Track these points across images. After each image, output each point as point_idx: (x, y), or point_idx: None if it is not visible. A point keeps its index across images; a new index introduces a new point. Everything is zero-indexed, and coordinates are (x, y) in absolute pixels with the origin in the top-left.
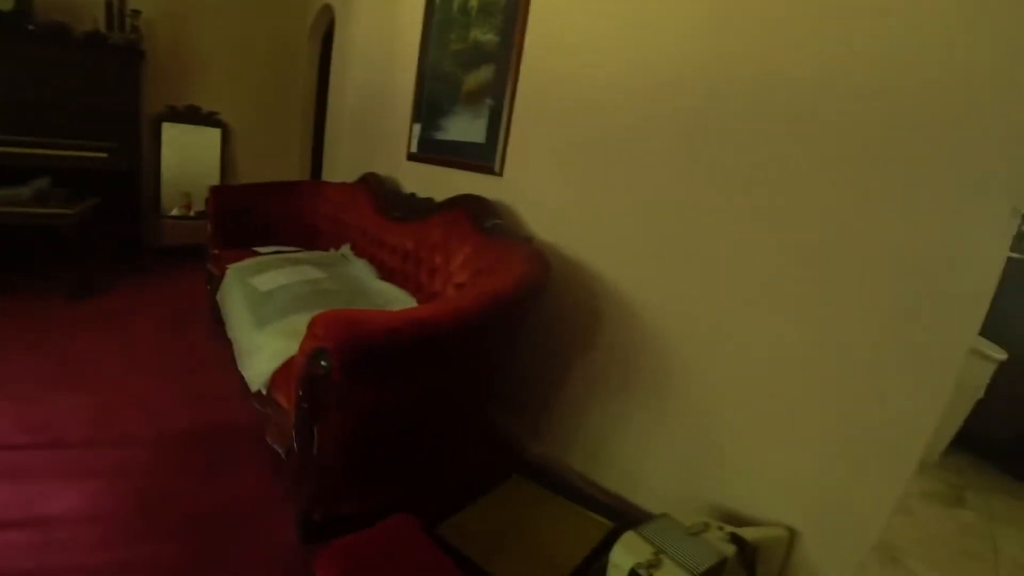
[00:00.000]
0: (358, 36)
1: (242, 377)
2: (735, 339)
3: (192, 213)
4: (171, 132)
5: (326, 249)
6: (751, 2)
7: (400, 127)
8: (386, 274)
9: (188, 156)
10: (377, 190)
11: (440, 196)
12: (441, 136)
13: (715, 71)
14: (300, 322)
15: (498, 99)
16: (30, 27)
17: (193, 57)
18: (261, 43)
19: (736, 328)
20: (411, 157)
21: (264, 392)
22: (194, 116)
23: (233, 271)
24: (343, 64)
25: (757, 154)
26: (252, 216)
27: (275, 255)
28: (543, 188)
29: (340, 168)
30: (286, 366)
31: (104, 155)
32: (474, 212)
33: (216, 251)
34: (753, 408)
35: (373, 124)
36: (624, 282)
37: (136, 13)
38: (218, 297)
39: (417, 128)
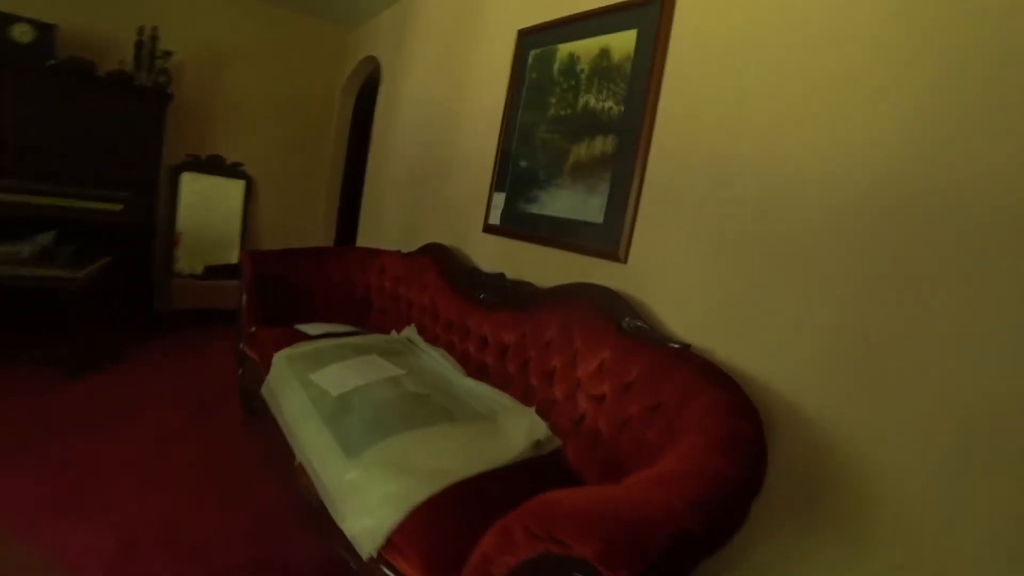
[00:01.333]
0: (411, 92)
1: (305, 498)
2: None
3: (200, 271)
4: (191, 183)
5: (383, 330)
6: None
7: (473, 195)
8: (473, 370)
9: (208, 210)
10: (447, 265)
11: (538, 280)
12: (537, 210)
13: (935, 164)
14: (407, 447)
15: (621, 176)
16: (51, 62)
17: (220, 104)
18: (292, 92)
19: None
20: (489, 229)
21: (375, 555)
22: (217, 166)
23: (284, 361)
24: (390, 120)
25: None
26: (293, 286)
27: (329, 339)
28: (683, 282)
29: (383, 234)
30: (412, 518)
31: (119, 207)
32: (605, 307)
33: (252, 328)
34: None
35: (431, 188)
36: (801, 394)
37: (167, 55)
38: (264, 392)
39: (500, 198)
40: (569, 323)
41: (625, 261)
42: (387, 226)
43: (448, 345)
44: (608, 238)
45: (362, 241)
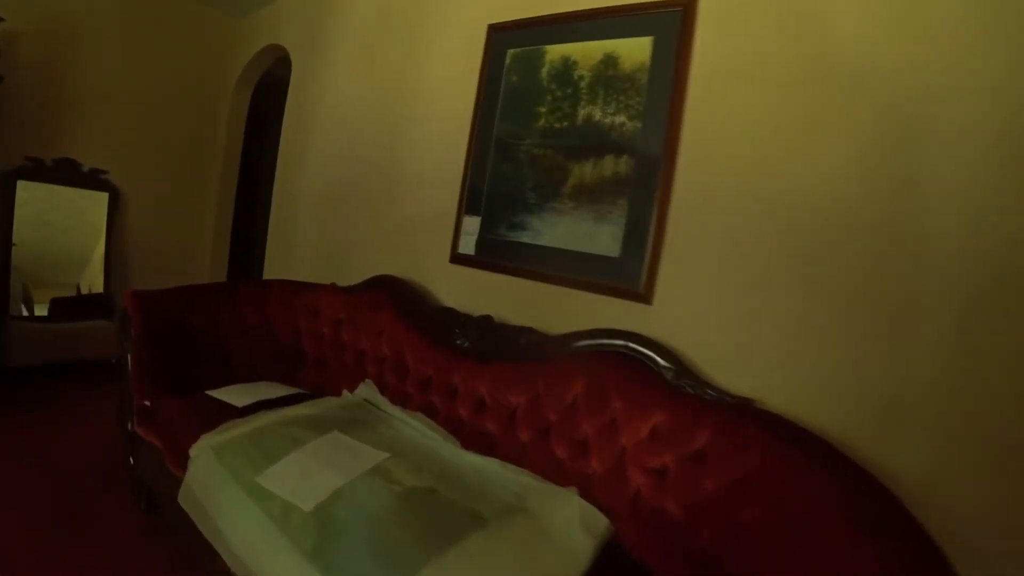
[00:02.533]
0: (333, 90)
1: None
2: None
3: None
4: (30, 195)
5: (324, 390)
6: None
7: (433, 217)
8: (469, 441)
9: (55, 230)
10: (409, 304)
11: (535, 324)
12: (528, 239)
13: None
14: None
15: (641, 202)
16: None
17: (73, 94)
18: (170, 85)
19: None
20: (460, 260)
21: None
22: (69, 174)
23: (211, 455)
24: (303, 124)
25: None
26: (196, 335)
27: (265, 412)
28: (721, 324)
29: (298, 263)
30: None
31: None
32: (642, 358)
33: (146, 401)
34: None
35: (368, 208)
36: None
37: None
38: (184, 501)
39: (473, 222)
40: (599, 379)
41: (649, 301)
42: (303, 254)
43: (426, 408)
44: (627, 274)
45: (271, 272)
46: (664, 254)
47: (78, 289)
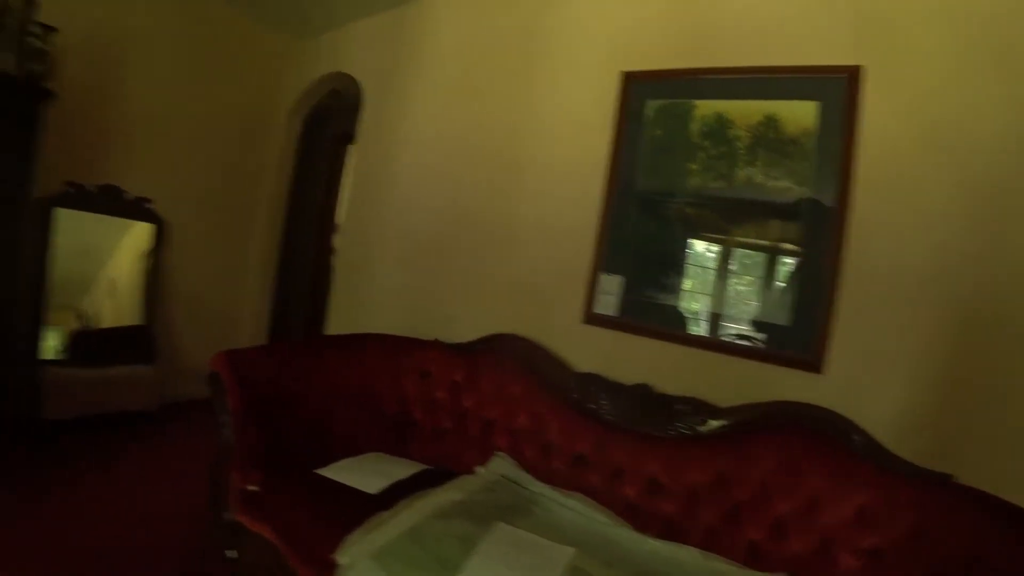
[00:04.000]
0: (422, 125)
1: None
2: None
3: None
4: (71, 225)
5: (442, 464)
6: None
7: (561, 273)
8: (642, 524)
9: (96, 264)
10: (544, 369)
11: (691, 391)
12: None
13: None
14: None
15: (812, 270)
16: None
17: (119, 115)
18: (220, 111)
19: None
20: (596, 321)
21: None
22: (113, 202)
23: (377, 570)
24: (382, 162)
25: None
26: (292, 401)
27: (409, 501)
28: (900, 395)
29: (374, 314)
30: None
31: None
32: (830, 432)
33: (252, 486)
34: None
35: (472, 258)
36: None
37: (48, 30)
38: None
39: (612, 281)
40: (789, 454)
41: (820, 371)
42: (380, 303)
43: (584, 487)
44: (797, 342)
45: (337, 321)
46: (836, 322)
47: (83, 321)
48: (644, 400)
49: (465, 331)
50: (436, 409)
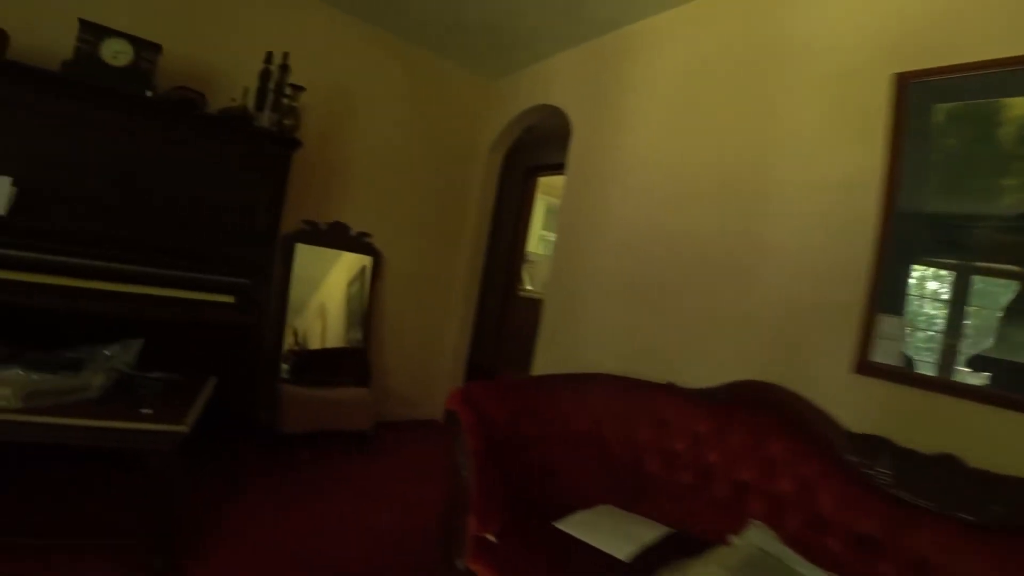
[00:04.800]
0: (639, 154)
1: None
2: None
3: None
4: (307, 258)
5: (686, 525)
6: None
7: (815, 312)
8: None
9: (322, 295)
10: (802, 424)
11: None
12: (998, 353)
13: None
14: None
15: None
16: (148, 93)
17: (346, 158)
18: (428, 148)
19: None
20: (872, 371)
21: None
22: (340, 237)
23: None
24: (595, 194)
25: None
26: (523, 444)
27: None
28: None
29: (586, 351)
30: None
31: (230, 300)
32: None
33: (489, 536)
34: None
35: (702, 294)
36: None
37: (297, 90)
38: None
39: (894, 324)
40: None
41: None
42: (596, 342)
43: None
44: None
45: (546, 359)
46: None
47: (298, 341)
48: (952, 475)
49: (699, 375)
50: (675, 462)
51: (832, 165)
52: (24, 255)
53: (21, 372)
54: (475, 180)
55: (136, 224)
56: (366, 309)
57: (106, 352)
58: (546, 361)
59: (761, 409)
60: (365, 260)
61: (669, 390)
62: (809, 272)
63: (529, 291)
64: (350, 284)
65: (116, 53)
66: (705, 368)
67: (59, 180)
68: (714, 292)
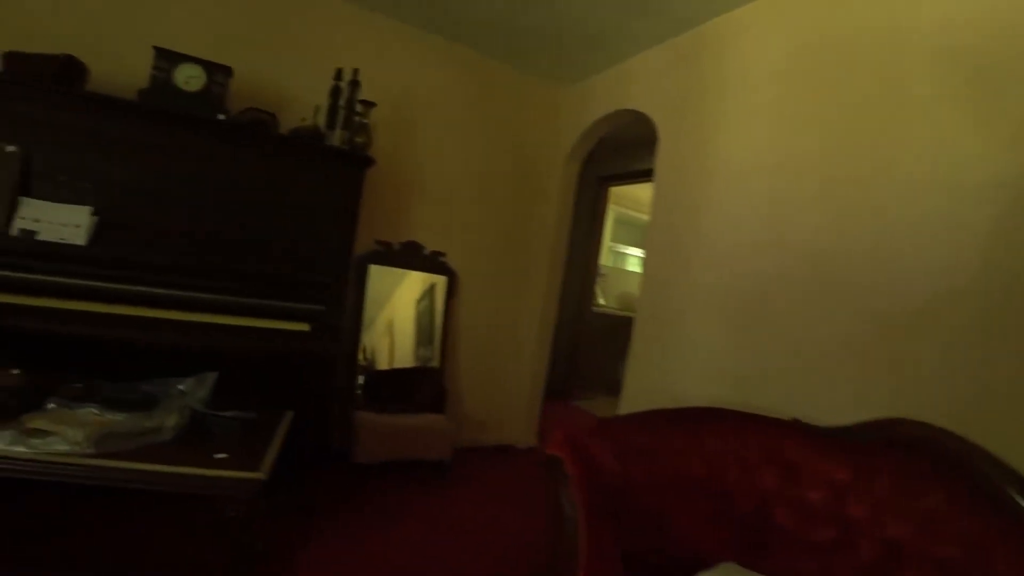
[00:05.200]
0: (739, 158)
1: None
2: None
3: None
4: (380, 280)
5: None
6: None
7: (1003, 336)
8: None
9: (395, 318)
10: (978, 474)
11: None
12: None
13: None
14: None
15: None
16: (220, 117)
17: (417, 175)
18: (500, 161)
19: None
20: None
21: None
22: (413, 257)
23: None
24: (689, 204)
25: None
26: (634, 494)
27: None
28: None
29: (686, 379)
30: None
31: (305, 328)
32: None
33: None
34: None
35: (820, 312)
36: None
37: (368, 106)
38: None
39: None
40: None
41: None
42: (696, 371)
43: None
44: None
45: (636, 387)
46: None
47: (367, 360)
48: None
49: (829, 410)
50: (809, 515)
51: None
52: (102, 286)
53: (95, 412)
54: (551, 192)
55: (209, 250)
56: (440, 329)
57: (180, 387)
58: (637, 389)
59: (915, 454)
60: (437, 279)
61: (796, 428)
62: (980, 291)
63: (602, 307)
64: (418, 301)
65: (189, 78)
66: (835, 401)
67: (134, 208)
68: (843, 312)
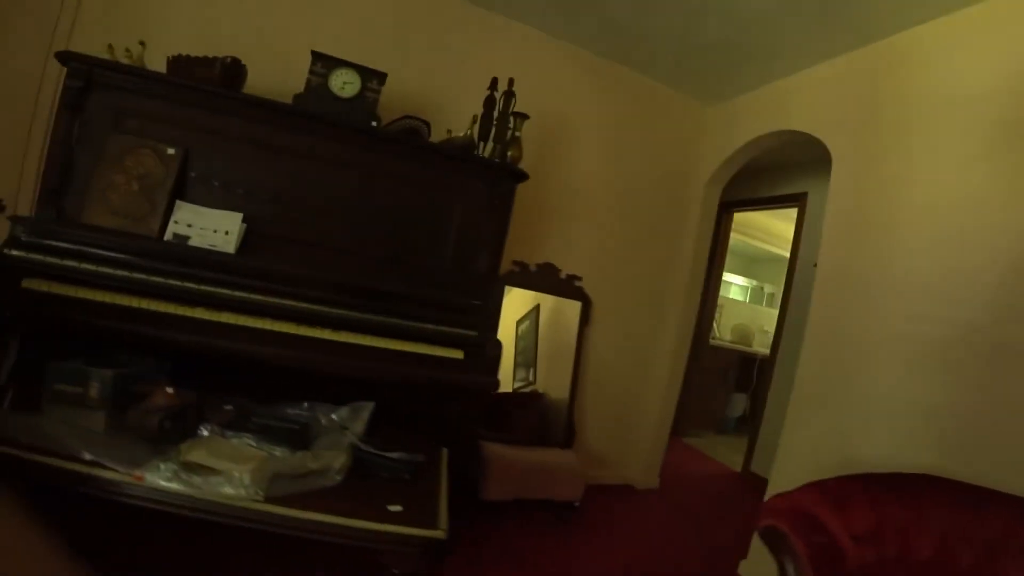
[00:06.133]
0: (940, 188)
1: None
2: None
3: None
4: (515, 304)
5: None
6: None
7: None
8: None
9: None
10: None
11: None
12: None
13: None
14: None
15: None
16: (373, 124)
17: (557, 193)
18: (641, 184)
19: None
20: None
21: None
22: (549, 280)
23: None
24: (873, 231)
25: None
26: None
27: None
28: None
29: (876, 444)
30: None
31: (459, 356)
32: None
33: None
34: None
35: None
36: None
37: (521, 118)
38: None
39: None
40: None
41: None
42: (883, 424)
43: None
44: None
45: (796, 439)
46: None
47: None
48: None
49: None
50: None
51: None
52: (254, 298)
53: (251, 444)
54: (691, 219)
55: (357, 264)
56: (576, 356)
57: (334, 416)
58: (798, 440)
59: None
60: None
61: None
62: None
63: (718, 340)
64: (520, 322)
65: (344, 84)
66: None
67: (281, 217)
68: None
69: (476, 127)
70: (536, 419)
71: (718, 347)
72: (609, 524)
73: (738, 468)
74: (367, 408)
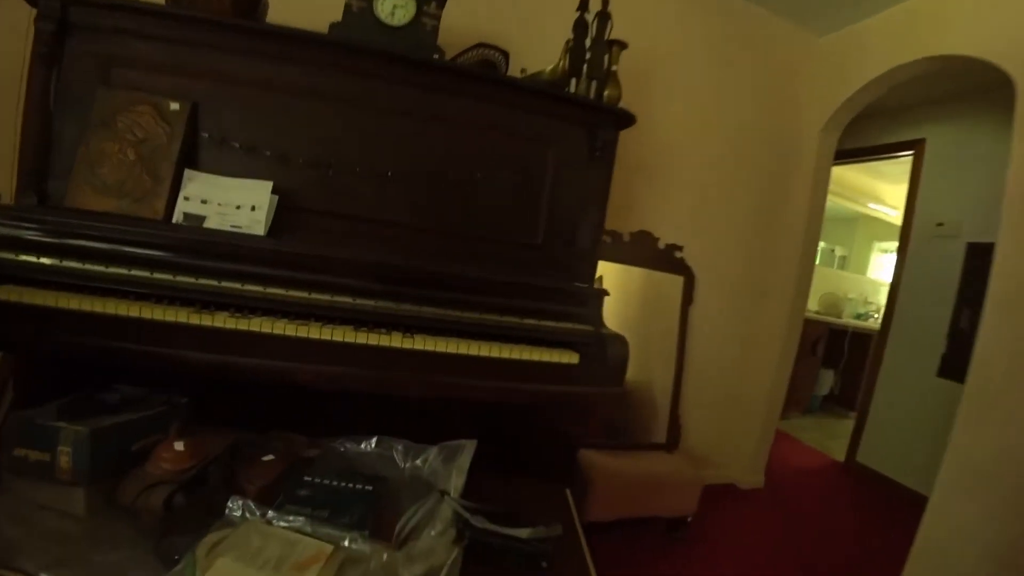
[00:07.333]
0: None
1: None
2: None
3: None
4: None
5: None
6: None
7: None
8: None
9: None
10: None
11: None
12: None
13: None
14: None
15: None
16: (435, 57)
17: (653, 147)
18: (742, 132)
19: None
20: None
21: None
22: (644, 252)
23: None
24: None
25: None
26: None
27: None
28: None
29: None
30: None
31: (574, 359)
32: None
33: None
34: None
35: None
36: None
37: (619, 47)
38: None
39: None
40: None
41: None
42: None
43: None
44: None
45: (961, 474)
46: None
47: None
48: None
49: None
50: None
51: None
52: (289, 295)
53: (308, 532)
54: (803, 173)
55: (423, 244)
56: (679, 341)
57: (418, 463)
58: (978, 443)
59: None
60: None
61: None
62: None
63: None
64: None
65: (394, 7)
66: None
67: (322, 185)
68: None
69: (566, 58)
70: (632, 417)
71: (807, 319)
72: (719, 534)
73: (839, 457)
74: (467, 449)
